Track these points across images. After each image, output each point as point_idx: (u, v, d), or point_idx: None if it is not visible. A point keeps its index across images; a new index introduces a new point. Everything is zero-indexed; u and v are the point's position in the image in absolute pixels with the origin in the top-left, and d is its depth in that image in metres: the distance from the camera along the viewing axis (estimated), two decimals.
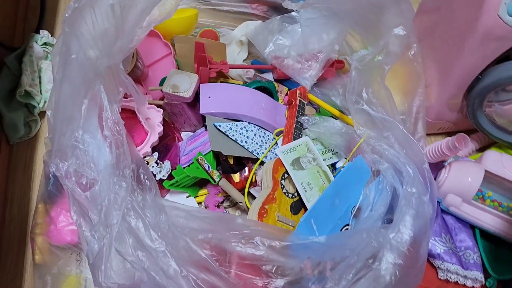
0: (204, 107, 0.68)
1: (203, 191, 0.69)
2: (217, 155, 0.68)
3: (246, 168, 0.68)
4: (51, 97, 0.53)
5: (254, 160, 0.69)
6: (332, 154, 0.72)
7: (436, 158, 0.66)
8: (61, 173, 0.49)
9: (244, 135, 0.69)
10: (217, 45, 0.75)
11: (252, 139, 0.69)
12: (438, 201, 0.63)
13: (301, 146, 0.67)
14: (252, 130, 0.70)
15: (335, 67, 0.78)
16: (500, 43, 0.59)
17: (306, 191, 0.64)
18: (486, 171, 0.61)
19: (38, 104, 0.79)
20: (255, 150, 0.68)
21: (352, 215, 0.61)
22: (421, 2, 0.76)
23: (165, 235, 0.48)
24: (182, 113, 0.70)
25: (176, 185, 0.64)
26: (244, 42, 0.84)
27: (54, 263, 0.59)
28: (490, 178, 0.62)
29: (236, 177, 0.66)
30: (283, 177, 0.64)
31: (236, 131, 0.68)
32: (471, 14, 0.58)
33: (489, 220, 0.60)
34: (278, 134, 0.72)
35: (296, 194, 0.64)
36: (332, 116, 0.74)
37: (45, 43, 0.86)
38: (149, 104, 0.68)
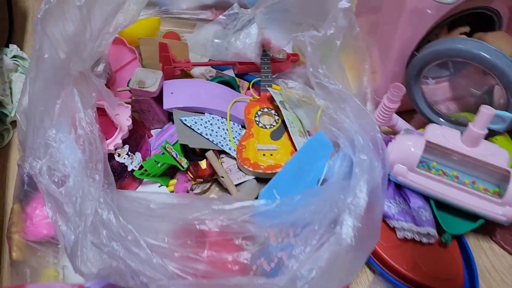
0: (167, 103, 0.73)
1: (173, 181, 0.72)
2: (184, 145, 0.73)
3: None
4: (22, 98, 0.55)
5: (220, 151, 0.74)
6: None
7: (384, 117, 0.71)
8: (35, 171, 0.51)
9: (209, 128, 0.73)
10: (180, 45, 0.80)
11: (217, 132, 0.73)
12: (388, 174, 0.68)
13: (283, 95, 0.76)
14: (216, 124, 0.75)
15: (290, 59, 0.84)
16: (427, 16, 0.65)
17: (290, 126, 0.72)
18: (427, 141, 0.66)
19: (10, 113, 0.82)
20: (220, 142, 0.73)
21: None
22: None
23: (135, 225, 0.51)
24: (150, 110, 0.75)
25: (146, 174, 0.68)
26: (206, 45, 0.90)
27: (32, 257, 0.60)
28: (432, 148, 0.68)
29: (203, 163, 0.70)
30: (256, 115, 0.74)
31: (201, 124, 0.73)
32: None
33: (435, 187, 0.65)
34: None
35: (274, 123, 0.74)
36: None
37: (14, 56, 0.89)
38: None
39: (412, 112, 0.81)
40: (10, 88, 0.85)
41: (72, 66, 0.52)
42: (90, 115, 0.55)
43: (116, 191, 0.56)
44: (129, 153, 0.68)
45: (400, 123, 0.78)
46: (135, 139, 0.72)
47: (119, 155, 0.67)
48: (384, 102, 0.71)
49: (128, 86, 0.72)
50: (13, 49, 0.90)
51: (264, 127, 0.74)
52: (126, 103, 0.73)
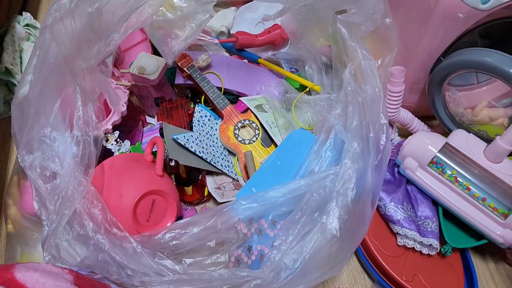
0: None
1: None
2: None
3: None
4: (18, 91, 0.54)
5: (207, 172, 0.71)
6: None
7: (391, 105, 0.68)
8: (25, 165, 0.51)
9: (200, 145, 0.68)
10: None
11: (207, 149, 0.69)
12: (398, 164, 0.66)
13: (260, 98, 0.76)
14: (203, 140, 0.70)
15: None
16: (460, 22, 0.60)
17: (271, 128, 0.72)
18: (447, 143, 0.63)
19: (18, 82, 0.82)
20: (212, 159, 0.68)
21: None
22: None
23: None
24: (148, 96, 0.73)
25: None
26: (225, 33, 0.86)
27: (25, 234, 0.61)
28: (452, 152, 0.64)
29: (189, 190, 0.68)
30: (236, 135, 0.71)
31: (193, 141, 0.68)
32: None
33: (442, 190, 0.63)
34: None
35: (257, 134, 0.72)
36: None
37: (27, 25, 0.89)
38: (116, 84, 0.71)
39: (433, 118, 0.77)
40: (21, 57, 0.85)
41: (76, 64, 0.51)
42: (88, 112, 0.54)
43: None
44: (118, 139, 0.68)
45: (417, 123, 0.74)
46: (128, 126, 0.71)
47: (107, 140, 0.67)
48: (387, 88, 0.67)
49: (129, 68, 0.71)
50: (26, 17, 0.90)
51: (250, 141, 0.71)
52: (125, 86, 0.71)
